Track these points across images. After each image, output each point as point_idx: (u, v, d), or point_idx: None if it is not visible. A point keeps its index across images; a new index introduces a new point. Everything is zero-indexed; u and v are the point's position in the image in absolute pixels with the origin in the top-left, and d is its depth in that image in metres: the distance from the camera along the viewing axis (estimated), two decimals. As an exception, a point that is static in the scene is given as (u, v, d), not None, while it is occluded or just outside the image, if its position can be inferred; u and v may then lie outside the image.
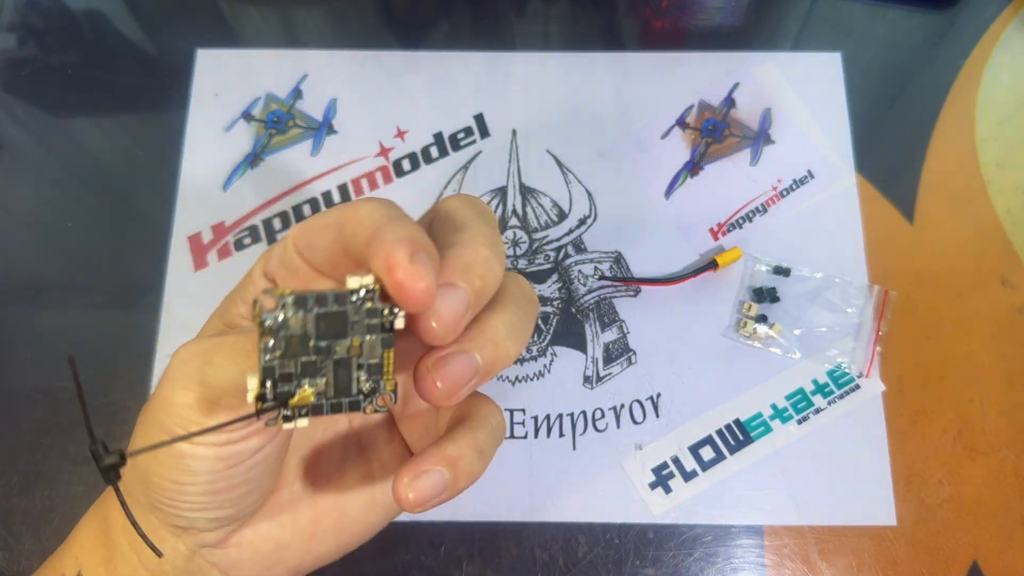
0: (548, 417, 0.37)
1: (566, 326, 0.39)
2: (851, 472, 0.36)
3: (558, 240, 0.41)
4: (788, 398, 0.38)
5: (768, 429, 0.37)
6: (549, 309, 0.39)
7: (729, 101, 0.44)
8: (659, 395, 0.38)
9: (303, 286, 0.24)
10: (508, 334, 0.21)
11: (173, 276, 0.40)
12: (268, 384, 0.18)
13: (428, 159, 0.42)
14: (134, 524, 0.20)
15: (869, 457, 0.37)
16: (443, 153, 0.43)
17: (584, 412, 0.38)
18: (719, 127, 0.43)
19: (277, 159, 0.43)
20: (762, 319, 0.39)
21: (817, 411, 0.37)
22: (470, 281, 0.20)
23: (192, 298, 0.40)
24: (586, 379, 0.38)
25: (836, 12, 0.46)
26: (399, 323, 0.19)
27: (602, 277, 0.40)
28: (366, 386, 0.20)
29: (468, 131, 0.43)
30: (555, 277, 0.40)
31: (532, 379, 0.38)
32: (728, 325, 0.39)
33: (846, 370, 0.38)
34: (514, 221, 0.41)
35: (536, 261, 0.40)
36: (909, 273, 0.40)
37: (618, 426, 0.37)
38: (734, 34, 0.45)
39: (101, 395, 0.38)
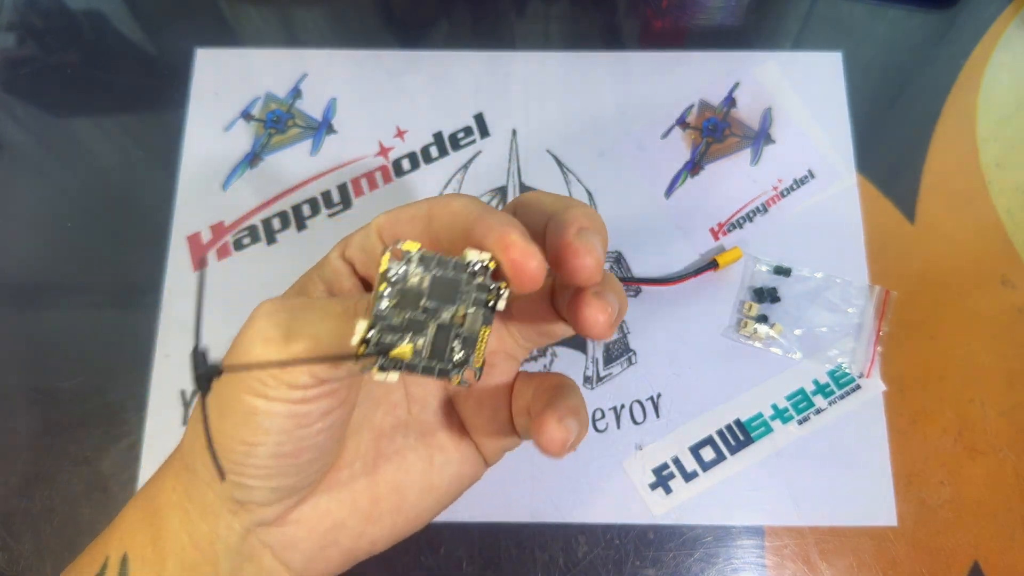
0: (548, 417, 0.37)
1: (566, 326, 0.39)
2: (852, 472, 0.36)
3: (558, 240, 0.41)
4: (789, 398, 0.38)
5: (769, 429, 0.37)
6: (549, 309, 0.39)
7: (729, 101, 0.43)
8: (659, 395, 0.38)
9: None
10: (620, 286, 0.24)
11: (172, 276, 0.40)
12: (375, 330, 0.19)
13: (428, 159, 0.42)
14: (209, 442, 0.20)
15: (870, 457, 0.37)
16: (443, 153, 0.42)
17: (584, 412, 0.38)
18: (719, 127, 0.43)
19: (276, 159, 0.42)
20: (763, 319, 0.39)
21: (818, 411, 0.37)
22: (598, 228, 0.22)
23: (191, 298, 0.39)
24: (586, 379, 0.38)
25: (837, 12, 0.46)
26: (501, 304, 0.20)
27: (602, 277, 0.40)
28: (458, 356, 0.20)
29: (468, 131, 0.43)
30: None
31: (532, 379, 0.38)
32: (728, 325, 0.39)
33: (847, 370, 0.38)
34: (514, 221, 0.41)
35: (536, 261, 0.40)
36: (910, 273, 0.40)
37: (618, 426, 0.37)
38: (734, 33, 0.45)
39: (100, 395, 0.38)
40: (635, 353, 0.39)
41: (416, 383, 0.27)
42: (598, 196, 0.41)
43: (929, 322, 0.39)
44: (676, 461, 0.37)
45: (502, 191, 0.42)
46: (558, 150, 0.42)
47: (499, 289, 0.20)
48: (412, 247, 0.20)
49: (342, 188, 0.42)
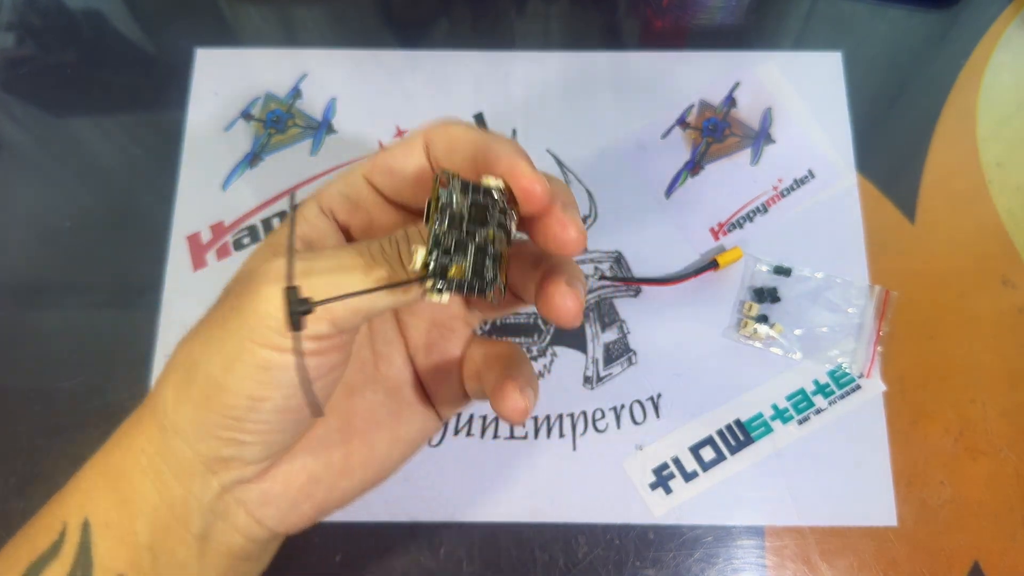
0: (548, 417, 0.37)
1: (566, 326, 0.39)
2: (852, 473, 0.36)
3: (558, 240, 0.41)
4: (789, 398, 0.38)
5: (769, 429, 0.37)
6: (549, 309, 0.39)
7: (730, 100, 0.43)
8: (659, 395, 0.38)
9: (369, 219, 0.26)
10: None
11: (172, 276, 0.40)
12: (435, 254, 0.20)
13: (428, 159, 0.42)
14: (305, 381, 0.21)
15: (870, 458, 0.37)
16: (443, 153, 0.42)
17: (584, 412, 0.38)
18: (720, 126, 0.43)
19: (276, 159, 0.42)
20: (763, 319, 0.39)
21: (818, 411, 0.37)
22: (574, 204, 0.23)
23: (191, 298, 0.39)
24: (586, 379, 0.38)
25: (837, 11, 0.46)
26: (513, 227, 0.22)
27: (602, 277, 0.40)
28: (489, 276, 0.22)
29: (468, 131, 0.43)
30: (555, 277, 0.40)
31: (532, 379, 0.38)
32: (729, 325, 0.39)
33: (847, 370, 0.38)
34: (514, 221, 0.41)
35: (536, 261, 0.40)
36: (910, 273, 0.40)
37: (618, 426, 0.37)
38: (735, 33, 0.45)
39: (100, 395, 0.38)
40: (635, 353, 0.39)
41: (383, 340, 0.28)
42: (598, 196, 0.41)
43: (929, 322, 0.39)
44: (676, 461, 0.37)
45: (502, 191, 0.41)
46: (558, 150, 0.42)
47: (513, 213, 0.22)
48: (455, 173, 0.21)
49: (342, 188, 0.42)
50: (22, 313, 0.40)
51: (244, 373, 0.22)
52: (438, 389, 0.28)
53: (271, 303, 0.21)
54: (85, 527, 0.24)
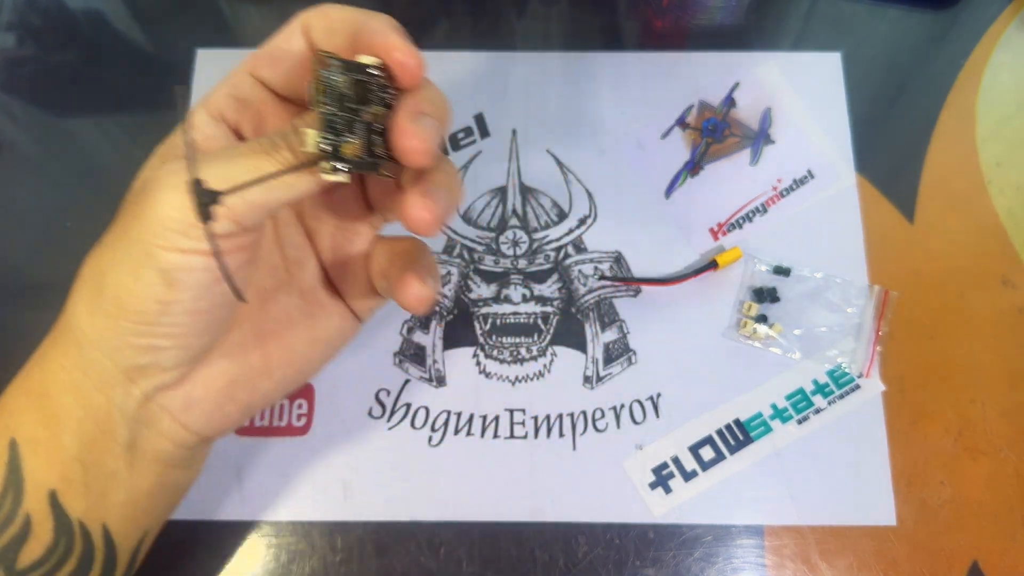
0: (548, 417, 0.37)
1: (566, 326, 0.39)
2: (851, 472, 0.36)
3: (558, 240, 0.41)
4: (788, 398, 0.38)
5: (768, 429, 0.37)
6: (549, 309, 0.39)
7: (729, 101, 0.44)
8: (659, 395, 0.38)
9: (259, 117, 0.26)
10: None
11: (172, 276, 0.40)
12: (325, 134, 0.21)
13: (428, 159, 0.42)
14: (224, 271, 0.21)
15: (869, 457, 0.37)
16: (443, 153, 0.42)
17: (584, 412, 0.38)
18: (719, 127, 0.43)
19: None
20: (762, 319, 0.39)
21: (817, 411, 0.37)
22: (438, 111, 0.24)
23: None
24: (586, 379, 0.38)
25: (836, 11, 0.46)
26: (395, 102, 0.23)
27: (602, 277, 0.40)
28: (379, 151, 0.22)
29: (468, 131, 0.43)
30: (555, 277, 0.40)
31: (532, 379, 0.38)
32: (728, 325, 0.39)
33: (846, 370, 0.38)
34: (514, 221, 0.41)
35: (536, 261, 0.40)
36: (910, 273, 0.40)
37: (618, 426, 0.37)
38: (734, 34, 0.45)
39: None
40: (635, 353, 0.39)
41: (291, 245, 0.29)
42: (598, 196, 0.41)
43: (929, 322, 0.39)
44: (676, 461, 0.37)
45: (502, 191, 0.42)
46: (558, 150, 0.42)
47: (393, 91, 0.23)
48: (336, 55, 0.21)
49: (342, 188, 0.42)
50: (21, 313, 0.40)
51: (151, 278, 0.22)
52: (349, 289, 0.29)
53: (170, 206, 0.21)
54: (12, 446, 0.25)
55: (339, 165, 0.21)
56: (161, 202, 0.22)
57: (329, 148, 0.21)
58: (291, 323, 0.28)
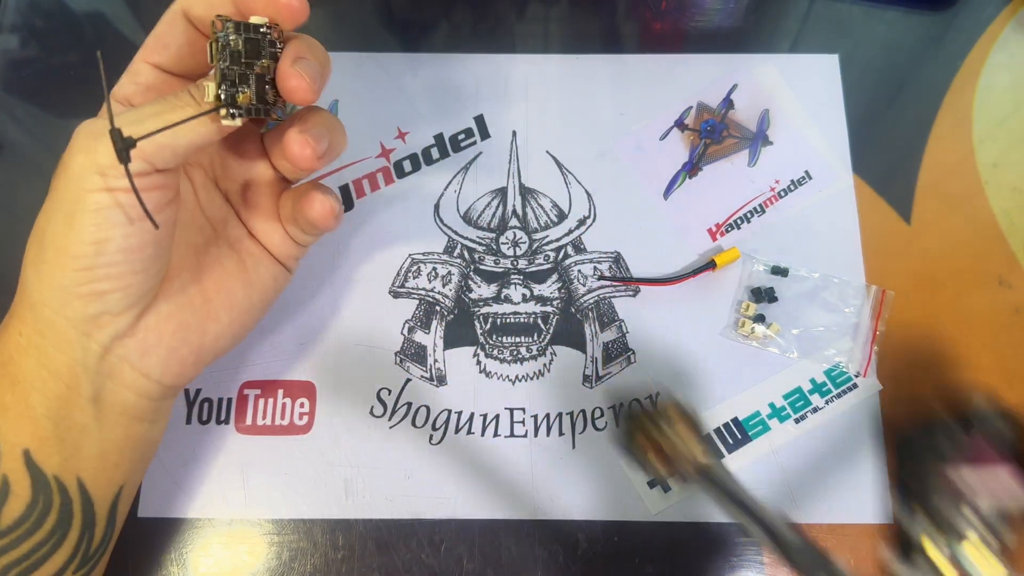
0: (548, 416, 0.38)
1: (566, 326, 0.39)
2: (848, 471, 0.37)
3: (558, 240, 0.41)
4: (786, 397, 0.38)
5: (766, 428, 0.37)
6: (549, 309, 0.40)
7: (727, 103, 0.44)
8: (658, 394, 0.38)
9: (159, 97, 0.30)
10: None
11: (175, 276, 0.40)
12: (223, 86, 0.25)
13: (429, 160, 0.43)
14: (135, 189, 0.24)
15: (866, 456, 0.37)
16: (444, 154, 0.43)
17: (583, 411, 0.38)
18: (717, 128, 0.43)
19: (278, 160, 0.43)
20: (760, 319, 0.39)
21: (815, 410, 0.38)
22: (317, 55, 0.28)
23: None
24: (585, 378, 0.38)
25: (834, 14, 0.46)
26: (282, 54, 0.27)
27: (601, 277, 0.40)
28: (271, 98, 0.27)
29: (468, 132, 0.43)
30: (555, 277, 0.40)
31: (532, 378, 0.38)
32: (726, 325, 0.39)
33: (844, 369, 0.38)
34: (514, 221, 0.41)
35: (536, 261, 0.40)
36: (906, 273, 0.40)
37: (617, 425, 0.38)
38: (733, 36, 0.46)
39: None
40: (634, 352, 0.39)
41: (213, 207, 0.32)
42: (597, 196, 0.42)
43: (926, 322, 0.39)
44: (675, 460, 0.37)
45: (502, 192, 0.42)
46: (557, 151, 0.43)
47: (280, 44, 0.27)
48: (228, 17, 0.26)
49: (344, 189, 0.42)
50: (26, 313, 0.40)
51: (82, 221, 0.25)
52: (268, 239, 0.33)
53: (91, 153, 0.25)
54: None
55: (235, 111, 0.25)
56: (81, 150, 0.25)
57: (225, 98, 0.25)
58: (225, 271, 0.31)
